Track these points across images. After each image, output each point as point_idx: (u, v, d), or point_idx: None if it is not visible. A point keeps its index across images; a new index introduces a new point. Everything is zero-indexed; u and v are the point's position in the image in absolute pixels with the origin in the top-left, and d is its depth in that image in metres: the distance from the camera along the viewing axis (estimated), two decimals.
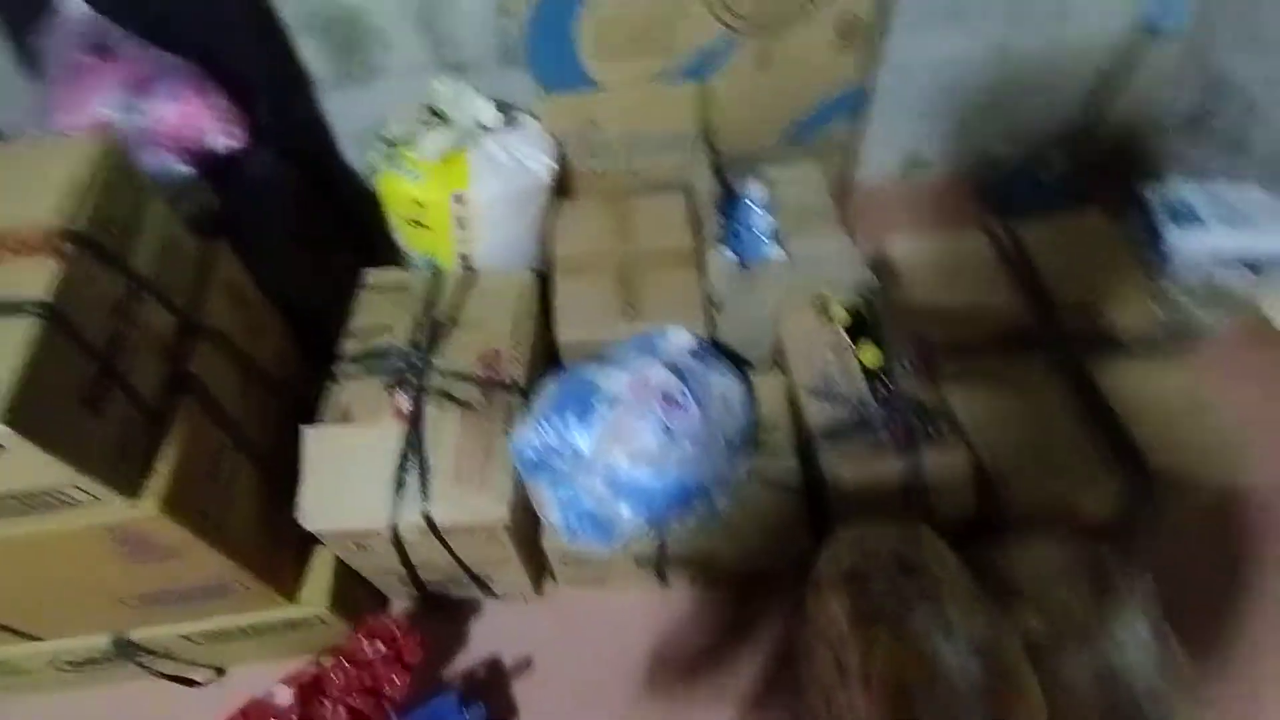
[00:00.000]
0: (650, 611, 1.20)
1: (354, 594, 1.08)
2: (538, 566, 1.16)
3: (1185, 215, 1.25)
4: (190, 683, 1.10)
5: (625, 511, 0.94)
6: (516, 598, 1.20)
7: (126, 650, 1.01)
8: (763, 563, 1.14)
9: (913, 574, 0.87)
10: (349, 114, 1.42)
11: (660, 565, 1.13)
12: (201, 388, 0.83)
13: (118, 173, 0.77)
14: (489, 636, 1.17)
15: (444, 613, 1.17)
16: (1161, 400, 1.10)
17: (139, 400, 0.74)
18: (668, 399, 0.96)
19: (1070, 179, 1.55)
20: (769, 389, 1.19)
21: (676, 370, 1.01)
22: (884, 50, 1.38)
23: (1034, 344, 1.16)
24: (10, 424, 0.59)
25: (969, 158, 1.64)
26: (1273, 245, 1.23)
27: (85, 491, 0.69)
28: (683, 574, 1.17)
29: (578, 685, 1.12)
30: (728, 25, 1.16)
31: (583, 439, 0.96)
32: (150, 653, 1.03)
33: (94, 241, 0.71)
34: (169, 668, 1.07)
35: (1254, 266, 1.24)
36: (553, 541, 1.07)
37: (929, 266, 1.26)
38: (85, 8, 0.96)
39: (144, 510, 0.73)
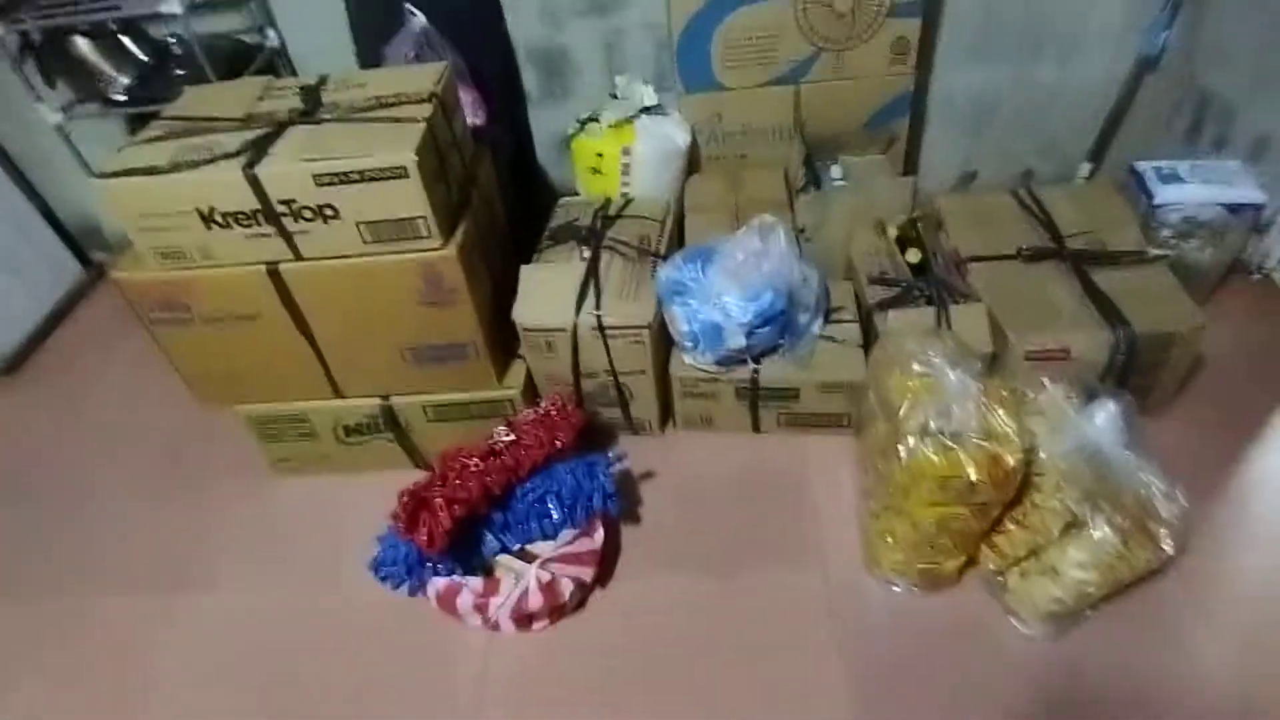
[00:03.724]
0: (746, 449, 1.58)
1: (533, 399, 1.54)
2: (664, 402, 1.58)
3: (1171, 178, 1.64)
4: (423, 466, 1.57)
5: (731, 312, 1.37)
6: (646, 433, 1.62)
7: (386, 418, 1.50)
8: (834, 406, 1.52)
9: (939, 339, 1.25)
10: (545, 124, 2.05)
11: (755, 400, 1.53)
12: (477, 200, 1.37)
13: (449, 82, 1.35)
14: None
15: (592, 437, 1.60)
16: (1145, 289, 1.45)
17: (454, 186, 1.29)
18: (759, 248, 1.41)
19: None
20: (840, 289, 1.62)
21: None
22: (930, 74, 1.89)
23: (1046, 256, 1.55)
24: (415, 157, 1.13)
25: (1009, 170, 2.08)
26: (1244, 196, 1.59)
27: (426, 226, 1.21)
28: (772, 415, 1.56)
29: (682, 495, 1.51)
30: (813, 44, 1.71)
31: (705, 275, 1.43)
32: (398, 426, 1.52)
33: (442, 104, 1.28)
34: (405, 445, 1.55)
35: (1233, 209, 1.59)
36: (678, 368, 1.51)
37: (966, 213, 1.68)
38: (425, 21, 1.61)
39: (448, 252, 1.24)
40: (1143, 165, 1.68)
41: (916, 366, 1.22)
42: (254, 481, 1.62)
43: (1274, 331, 1.70)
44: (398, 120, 1.21)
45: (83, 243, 2.33)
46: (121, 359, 1.97)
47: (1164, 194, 1.62)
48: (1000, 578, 1.28)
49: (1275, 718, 1.12)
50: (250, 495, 1.61)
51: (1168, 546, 1.18)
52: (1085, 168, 1.98)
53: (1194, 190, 1.61)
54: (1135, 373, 1.42)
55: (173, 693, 1.31)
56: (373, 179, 1.15)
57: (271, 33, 1.84)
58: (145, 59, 1.70)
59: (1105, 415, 1.22)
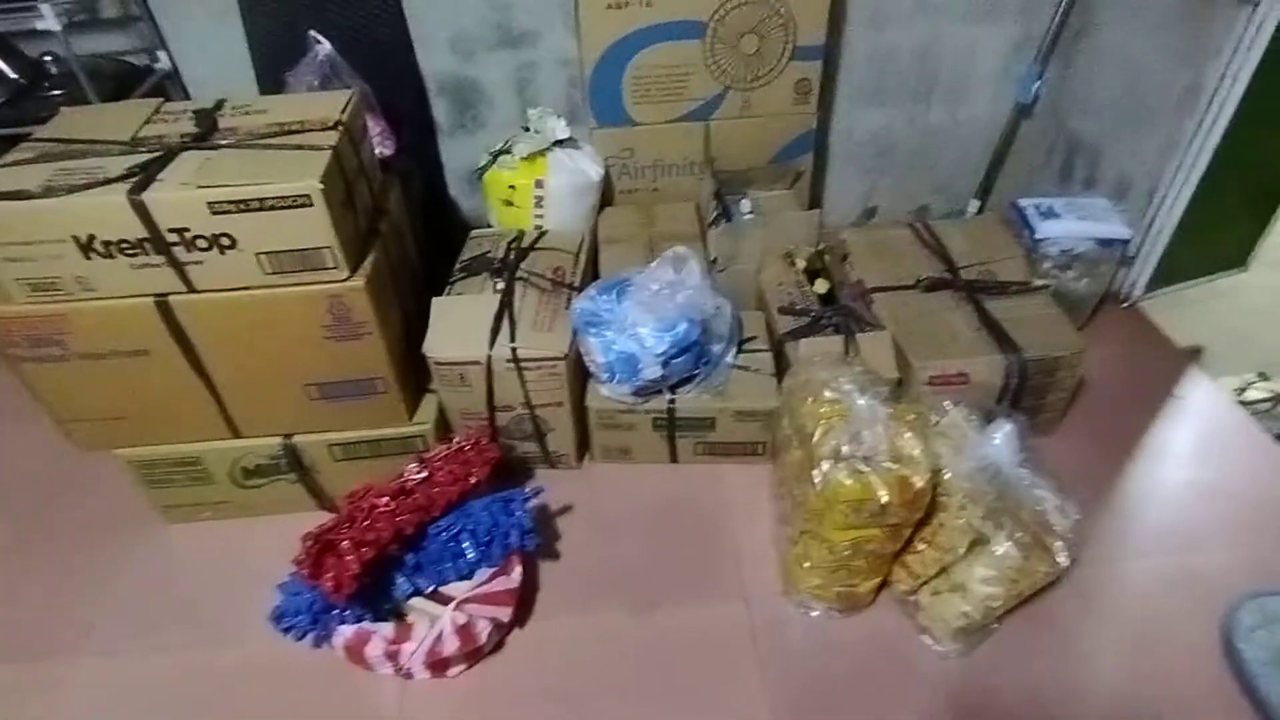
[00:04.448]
0: (664, 480, 1.58)
1: (446, 435, 1.49)
2: (581, 434, 1.57)
3: (1050, 214, 1.77)
4: (329, 507, 1.49)
5: (647, 342, 1.38)
6: (563, 466, 1.59)
7: (289, 456, 1.42)
8: (749, 434, 1.54)
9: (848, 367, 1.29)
10: (456, 157, 2.02)
11: (671, 431, 1.53)
12: (386, 230, 1.33)
13: (356, 109, 1.32)
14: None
15: (508, 472, 1.56)
16: (1031, 317, 1.55)
17: (362, 216, 1.25)
18: (673, 278, 1.43)
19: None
20: (752, 319, 1.66)
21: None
22: (832, 115, 1.99)
23: (943, 287, 1.63)
24: (320, 185, 1.09)
25: (906, 205, 2.20)
26: (1113, 231, 1.74)
27: (332, 257, 1.16)
28: (689, 445, 1.56)
29: (602, 529, 1.49)
30: (721, 82, 1.77)
31: (620, 306, 1.43)
32: (302, 466, 1.44)
33: (348, 131, 1.25)
34: (309, 485, 1.47)
35: (1104, 243, 1.74)
36: (594, 400, 1.50)
37: (869, 245, 1.76)
38: (330, 48, 1.57)
39: (356, 284, 1.20)
40: (1024, 202, 1.81)
41: (828, 393, 1.26)
42: (139, 531, 1.50)
43: (1142, 354, 1.85)
44: (300, 147, 1.17)
45: None
46: None
47: (1044, 229, 1.74)
48: (913, 597, 1.31)
49: (1164, 710, 1.18)
50: (135, 547, 1.48)
51: (1063, 558, 1.24)
52: (974, 204, 2.12)
53: (1070, 225, 1.74)
54: (1026, 395, 1.51)
55: None
56: (274, 207, 1.10)
57: (163, 55, 1.75)
58: (16, 78, 1.58)
59: (1002, 435, 1.28)
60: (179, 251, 1.12)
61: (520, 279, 1.51)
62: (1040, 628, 1.29)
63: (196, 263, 1.14)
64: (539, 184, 1.71)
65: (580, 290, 1.52)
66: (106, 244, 1.10)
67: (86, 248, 1.10)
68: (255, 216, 1.10)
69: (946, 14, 1.87)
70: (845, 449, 1.18)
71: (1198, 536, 1.43)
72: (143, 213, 1.08)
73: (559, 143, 1.75)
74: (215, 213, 1.09)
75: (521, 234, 1.67)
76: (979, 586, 1.24)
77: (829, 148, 2.07)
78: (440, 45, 1.83)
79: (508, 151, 1.75)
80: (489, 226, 1.85)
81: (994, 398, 1.50)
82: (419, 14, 1.78)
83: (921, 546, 1.29)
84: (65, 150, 1.18)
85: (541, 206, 1.73)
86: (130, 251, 1.12)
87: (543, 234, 1.68)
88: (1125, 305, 1.97)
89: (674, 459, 1.59)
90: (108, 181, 1.09)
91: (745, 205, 1.87)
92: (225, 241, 1.12)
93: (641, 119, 1.81)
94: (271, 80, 1.72)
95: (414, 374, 1.43)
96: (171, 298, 1.17)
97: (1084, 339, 1.50)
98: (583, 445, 1.60)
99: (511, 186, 1.73)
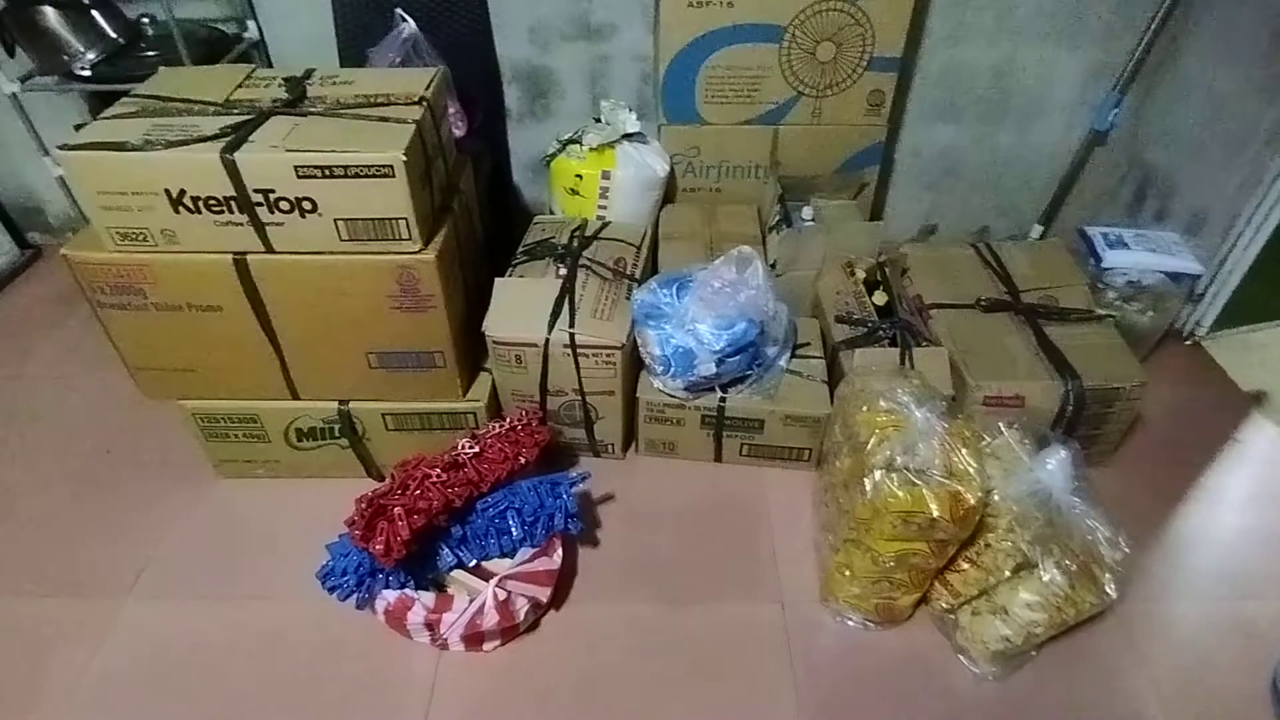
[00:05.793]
0: (706, 478, 1.58)
1: (496, 415, 1.51)
2: (629, 426, 1.58)
3: (1118, 244, 1.74)
4: (375, 475, 1.53)
5: (704, 338, 1.38)
6: (607, 456, 1.60)
7: (344, 424, 1.45)
8: (796, 439, 1.54)
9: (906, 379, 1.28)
10: (523, 143, 2.05)
11: (719, 429, 1.54)
12: (458, 208, 1.35)
13: (439, 88, 1.35)
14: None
15: (551, 457, 1.58)
16: (1092, 346, 1.52)
17: (437, 192, 1.28)
18: (735, 278, 1.43)
19: None
20: (807, 325, 1.65)
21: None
22: (900, 128, 1.97)
23: (1003, 308, 1.61)
24: (404, 157, 1.11)
25: (968, 225, 2.17)
26: (1184, 266, 1.70)
27: (407, 229, 1.19)
28: (735, 446, 1.56)
29: (641, 521, 1.50)
30: (794, 88, 1.77)
31: (680, 301, 1.44)
32: (354, 433, 1.47)
33: (431, 108, 1.27)
34: (360, 452, 1.50)
35: (1173, 277, 1.70)
36: (645, 392, 1.51)
37: (930, 262, 1.75)
38: (414, 27, 1.60)
39: (427, 256, 1.22)
40: (1092, 230, 1.78)
41: (884, 404, 1.25)
42: (191, 483, 1.54)
43: (1203, 393, 1.80)
44: (385, 119, 1.20)
45: (21, 223, 2.21)
46: (50, 348, 1.86)
47: (1111, 258, 1.71)
48: (952, 615, 1.30)
49: None
50: (186, 497, 1.52)
51: (1110, 590, 1.22)
52: (1037, 228, 2.08)
53: (1139, 257, 1.70)
54: (1081, 424, 1.48)
55: (79, 708, 1.21)
56: (357, 175, 1.12)
57: (251, 24, 1.80)
58: (115, 36, 1.64)
59: (1056, 461, 1.26)
60: (262, 212, 1.16)
61: (583, 266, 1.53)
62: (1081, 660, 1.27)
63: (277, 224, 1.18)
64: (605, 175, 1.73)
65: (640, 282, 1.53)
66: (195, 200, 1.14)
67: (177, 202, 1.14)
68: (338, 183, 1.13)
69: (1027, 35, 1.85)
70: (899, 459, 1.18)
71: (1253, 584, 1.39)
72: (233, 171, 1.11)
73: (627, 136, 1.77)
74: (301, 176, 1.12)
75: (585, 222, 1.69)
76: (1022, 611, 1.22)
77: (894, 161, 2.05)
78: (519, 32, 1.85)
79: (577, 141, 1.76)
80: (551, 214, 1.87)
81: (1048, 423, 1.47)
82: (501, 0, 1.80)
83: (965, 565, 1.28)
84: (163, 107, 1.22)
85: (606, 198, 1.75)
86: (216, 208, 1.15)
87: (606, 224, 1.69)
88: (1188, 342, 1.93)
89: (718, 458, 1.59)
90: (202, 140, 1.13)
91: (807, 212, 1.86)
92: (307, 205, 1.15)
93: (711, 119, 1.82)
94: (354, 55, 1.76)
95: (471, 352, 1.45)
96: (250, 256, 1.21)
97: (1145, 371, 1.47)
98: (629, 437, 1.61)
99: (578, 175, 1.74)
